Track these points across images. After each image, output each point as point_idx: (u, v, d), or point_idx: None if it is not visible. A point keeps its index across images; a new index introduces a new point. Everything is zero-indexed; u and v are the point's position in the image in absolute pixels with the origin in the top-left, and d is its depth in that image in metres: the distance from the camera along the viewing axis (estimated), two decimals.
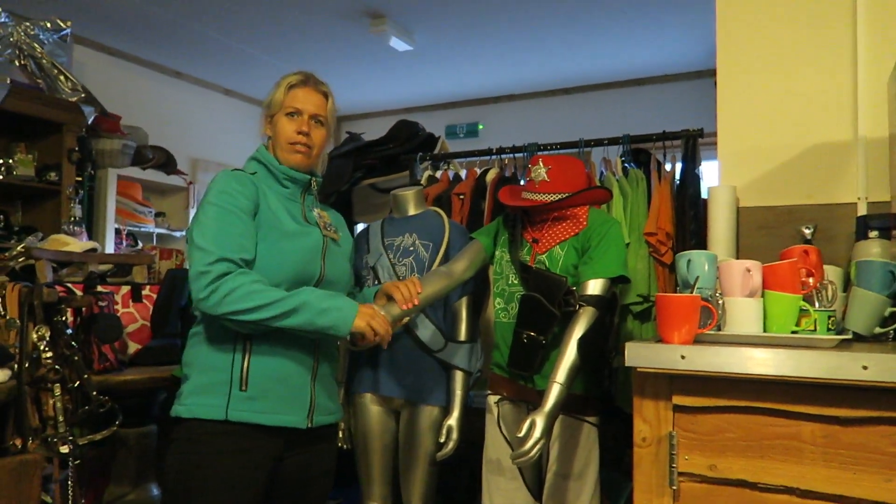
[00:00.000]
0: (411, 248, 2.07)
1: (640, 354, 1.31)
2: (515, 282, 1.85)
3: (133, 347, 2.47)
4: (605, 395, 1.94)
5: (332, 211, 1.81)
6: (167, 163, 4.61)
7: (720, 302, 1.40)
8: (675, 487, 1.31)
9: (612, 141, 2.46)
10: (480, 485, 1.94)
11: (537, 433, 1.56)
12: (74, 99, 3.87)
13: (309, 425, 1.57)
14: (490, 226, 2.01)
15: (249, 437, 1.50)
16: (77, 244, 2.70)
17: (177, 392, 1.57)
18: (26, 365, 1.82)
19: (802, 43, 1.91)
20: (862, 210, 1.80)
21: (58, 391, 1.84)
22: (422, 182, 2.75)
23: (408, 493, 2.03)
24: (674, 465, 1.31)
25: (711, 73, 2.07)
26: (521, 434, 1.57)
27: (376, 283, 2.07)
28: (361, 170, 3.00)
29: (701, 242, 2.06)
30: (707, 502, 1.29)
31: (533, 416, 1.59)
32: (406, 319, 1.77)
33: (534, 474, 1.87)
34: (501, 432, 1.89)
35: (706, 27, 3.74)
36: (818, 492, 1.21)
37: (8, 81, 3.52)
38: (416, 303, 1.67)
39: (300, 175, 1.64)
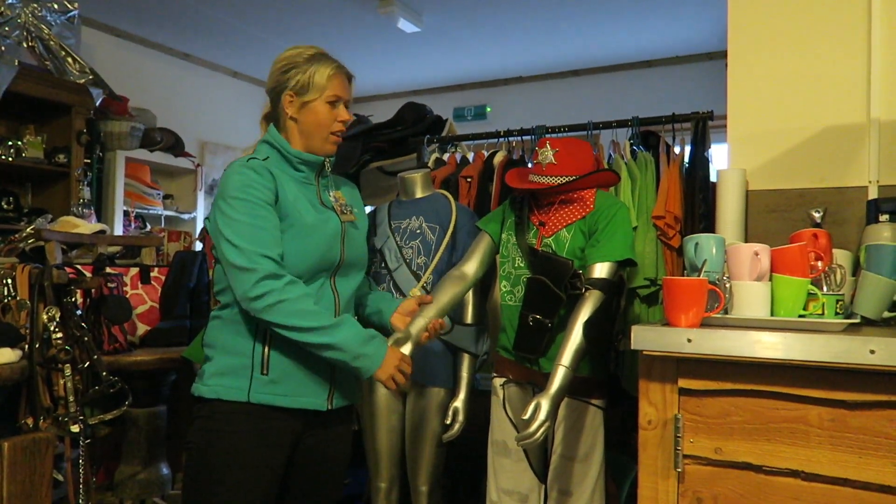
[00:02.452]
0: (418, 231, 2.07)
1: (646, 337, 1.31)
2: (522, 265, 1.85)
3: (142, 329, 2.49)
4: (611, 377, 1.95)
5: (346, 186, 1.78)
6: (175, 145, 4.61)
7: (728, 285, 1.40)
8: (680, 470, 1.31)
9: (621, 123, 2.43)
10: (486, 466, 1.96)
11: (542, 415, 1.57)
12: (82, 81, 3.87)
13: (329, 407, 1.59)
14: (496, 211, 2.01)
15: (270, 418, 1.53)
16: (86, 226, 2.71)
17: (199, 370, 1.59)
18: (37, 345, 1.84)
19: (815, 24, 1.88)
20: (873, 193, 1.79)
21: (68, 371, 1.85)
22: (429, 165, 2.74)
23: (414, 473, 2.05)
24: (679, 448, 1.31)
25: (722, 54, 2.05)
26: (527, 416, 1.57)
27: (383, 265, 2.07)
28: (369, 153, 2.99)
29: (710, 226, 2.05)
30: (712, 485, 1.30)
31: (538, 399, 1.59)
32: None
33: (539, 456, 1.88)
34: (507, 414, 1.90)
35: (717, 8, 3.69)
36: (824, 475, 1.21)
37: (16, 63, 3.52)
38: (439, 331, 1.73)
39: (313, 158, 1.62)
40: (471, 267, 1.91)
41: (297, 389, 1.54)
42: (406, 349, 1.65)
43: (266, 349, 1.53)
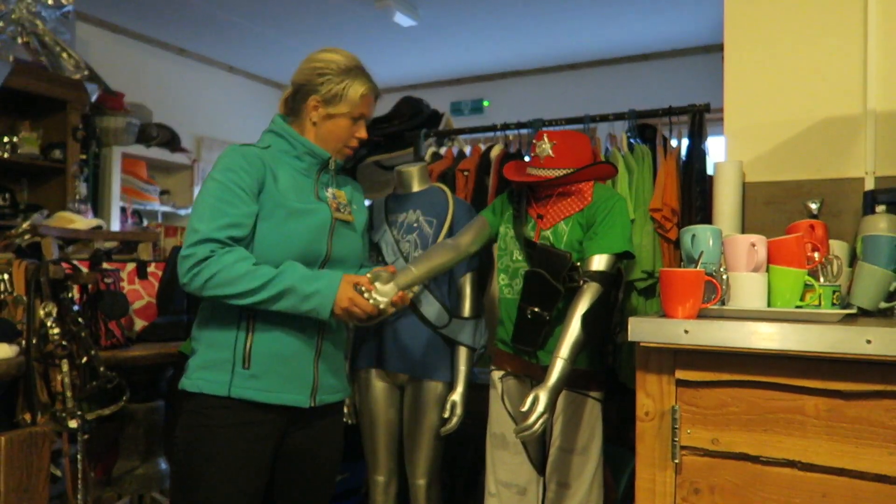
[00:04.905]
0: (415, 225, 2.06)
1: (643, 329, 1.31)
2: (520, 258, 1.85)
3: (139, 324, 2.48)
4: (609, 370, 1.95)
5: (350, 187, 1.76)
6: (171, 141, 4.60)
7: (724, 277, 1.40)
8: (677, 461, 1.32)
9: (618, 116, 2.43)
10: (484, 459, 1.96)
11: (541, 408, 1.57)
12: (78, 76, 3.86)
13: (312, 404, 1.58)
14: (495, 203, 2.01)
15: (252, 413, 1.52)
16: (83, 222, 2.71)
17: (185, 365, 1.59)
18: (34, 341, 1.83)
19: (811, 16, 1.88)
20: (869, 185, 1.79)
21: (66, 367, 1.85)
22: (426, 159, 2.74)
23: (412, 467, 2.05)
24: (676, 439, 1.31)
25: (719, 47, 2.04)
26: (525, 409, 1.57)
27: (379, 259, 2.07)
28: (366, 147, 2.98)
29: (707, 218, 2.05)
30: (709, 475, 1.30)
31: (536, 391, 1.59)
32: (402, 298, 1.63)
33: (537, 449, 1.88)
34: (505, 407, 1.90)
35: (714, 1, 3.68)
36: (820, 465, 1.22)
37: (11, 59, 3.51)
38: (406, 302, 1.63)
39: (320, 150, 1.62)
40: (465, 239, 1.90)
41: (278, 385, 1.53)
42: (386, 287, 1.55)
43: (248, 343, 1.52)
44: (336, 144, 1.63)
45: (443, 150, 2.82)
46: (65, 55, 3.85)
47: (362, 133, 1.65)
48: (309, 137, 1.62)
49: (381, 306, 1.52)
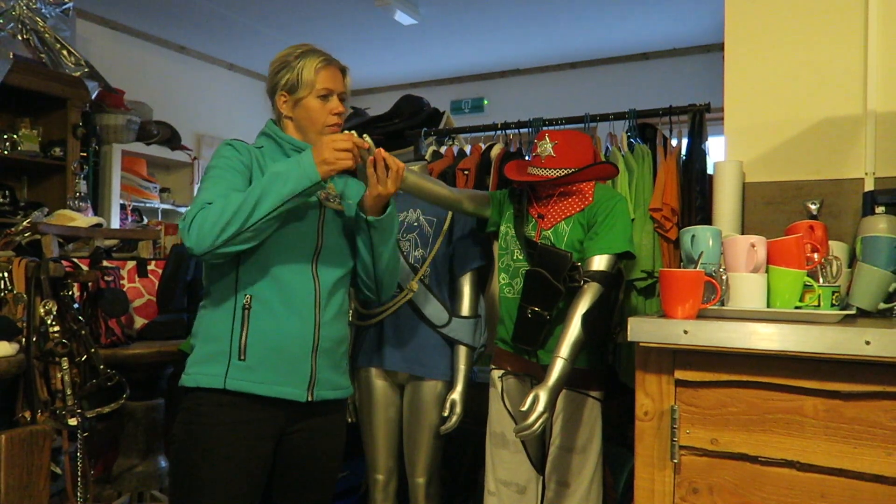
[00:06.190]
0: (415, 224, 2.06)
1: (643, 329, 1.31)
2: (521, 257, 1.85)
3: (139, 322, 2.49)
4: (608, 370, 1.95)
5: (343, 178, 1.76)
6: (172, 138, 4.60)
7: (724, 277, 1.40)
8: (676, 461, 1.32)
9: (618, 116, 2.43)
10: (484, 457, 1.96)
11: (540, 407, 1.58)
12: (78, 74, 3.86)
13: (309, 399, 1.57)
14: (498, 194, 2.00)
15: (249, 408, 1.52)
16: (83, 219, 2.70)
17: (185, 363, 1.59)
18: (34, 339, 1.84)
19: (812, 16, 1.88)
20: (869, 185, 1.79)
21: (66, 365, 1.85)
22: (426, 157, 2.74)
23: (412, 465, 2.05)
24: (675, 439, 1.32)
25: (719, 47, 2.05)
26: (525, 408, 1.58)
27: None
28: None
29: (707, 218, 2.06)
30: (708, 475, 1.31)
31: (536, 391, 1.60)
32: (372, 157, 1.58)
33: (537, 448, 1.88)
34: (505, 406, 1.90)
35: (714, 1, 3.68)
36: (819, 465, 1.22)
37: (11, 56, 3.50)
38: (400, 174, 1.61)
39: (304, 144, 1.63)
40: (461, 194, 1.91)
41: (274, 378, 1.53)
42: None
43: (244, 335, 1.52)
44: (315, 128, 1.63)
45: (443, 149, 2.82)
46: (65, 52, 3.85)
47: (337, 107, 1.63)
48: (292, 135, 1.66)
49: (363, 135, 1.50)
